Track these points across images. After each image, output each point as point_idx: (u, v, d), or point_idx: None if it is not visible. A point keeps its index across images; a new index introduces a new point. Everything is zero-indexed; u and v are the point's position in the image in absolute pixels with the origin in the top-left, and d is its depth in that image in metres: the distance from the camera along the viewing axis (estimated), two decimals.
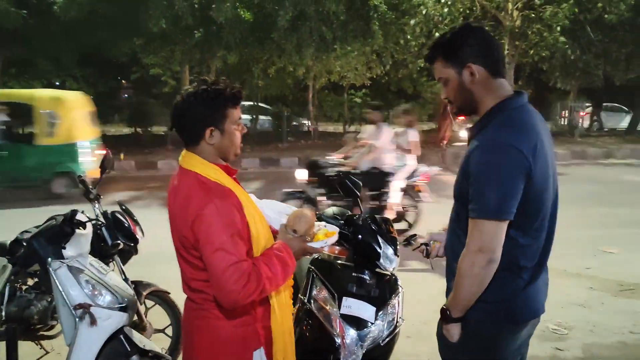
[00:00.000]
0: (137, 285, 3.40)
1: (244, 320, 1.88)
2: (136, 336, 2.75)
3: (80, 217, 2.70)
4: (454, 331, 1.90)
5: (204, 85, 1.85)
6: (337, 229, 2.16)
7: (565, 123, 19.41)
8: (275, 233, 2.03)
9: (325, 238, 2.06)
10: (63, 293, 2.51)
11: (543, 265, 1.92)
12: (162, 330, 3.63)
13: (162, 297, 3.60)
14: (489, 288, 1.82)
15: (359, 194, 2.79)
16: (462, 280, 1.80)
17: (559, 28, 14.53)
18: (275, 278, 1.81)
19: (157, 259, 4.48)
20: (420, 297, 4.47)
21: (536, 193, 1.78)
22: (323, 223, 2.19)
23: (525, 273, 1.85)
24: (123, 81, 28.10)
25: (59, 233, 2.61)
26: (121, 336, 2.63)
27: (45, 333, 3.31)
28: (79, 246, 2.68)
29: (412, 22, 14.97)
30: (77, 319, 2.48)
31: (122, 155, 13.38)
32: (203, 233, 1.74)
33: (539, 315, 1.94)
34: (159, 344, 3.37)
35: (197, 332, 1.91)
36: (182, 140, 1.91)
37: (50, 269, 2.53)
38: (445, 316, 1.90)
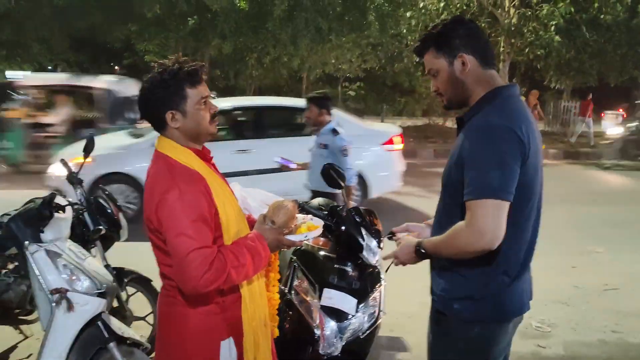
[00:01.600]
0: (119, 272, 3.36)
1: (211, 309, 1.85)
2: (114, 323, 2.72)
3: (59, 200, 2.66)
4: (418, 260, 1.94)
5: (162, 68, 1.79)
6: (322, 223, 2.11)
7: (559, 122, 19.41)
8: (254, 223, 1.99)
9: (307, 231, 2.00)
10: (40, 277, 2.47)
11: (528, 261, 1.91)
12: (143, 318, 3.60)
13: (144, 285, 3.57)
14: (475, 284, 1.83)
15: (343, 185, 2.76)
16: (449, 248, 1.79)
17: (554, 27, 14.54)
18: (242, 268, 1.76)
19: (141, 247, 4.44)
20: (405, 290, 4.46)
21: (528, 179, 1.77)
22: (309, 216, 2.15)
23: (512, 268, 1.84)
24: (116, 67, 27.90)
25: (37, 216, 2.57)
26: (99, 322, 2.61)
27: (24, 318, 3.27)
28: (58, 230, 2.64)
29: (408, 14, 14.94)
30: (53, 304, 2.45)
31: None
32: (165, 217, 1.71)
33: (525, 312, 1.94)
34: (140, 331, 3.34)
35: (166, 319, 1.90)
36: (154, 128, 1.88)
37: (27, 252, 2.50)
38: (419, 253, 1.91)
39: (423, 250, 1.89)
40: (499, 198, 1.67)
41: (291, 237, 1.95)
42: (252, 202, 2.08)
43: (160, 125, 1.83)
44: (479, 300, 1.84)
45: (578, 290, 5.11)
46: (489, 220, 1.67)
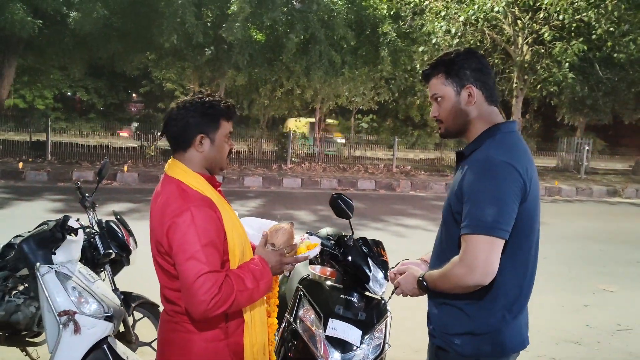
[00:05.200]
0: (127, 297, 3.37)
1: (216, 335, 1.85)
2: (120, 347, 2.73)
3: (72, 223, 2.70)
4: (421, 293, 1.95)
5: (200, 95, 1.90)
6: (320, 240, 2.16)
7: (572, 159, 19.36)
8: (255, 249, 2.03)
9: (307, 251, 2.05)
10: (49, 298, 2.50)
11: (528, 296, 1.90)
12: (149, 344, 3.58)
13: (151, 310, 3.57)
14: (476, 320, 1.82)
15: (351, 215, 2.78)
16: (445, 283, 1.81)
17: (567, 64, 14.64)
18: (248, 291, 1.79)
19: (150, 272, 4.46)
20: (412, 324, 4.42)
21: (528, 215, 1.77)
22: (306, 235, 2.19)
23: (512, 304, 1.83)
24: (134, 94, 28.43)
25: (49, 238, 2.62)
26: (105, 346, 2.61)
27: (31, 340, 3.28)
28: (69, 252, 2.68)
29: (421, 49, 15.13)
30: (60, 326, 2.47)
31: (125, 168, 13.45)
32: (177, 241, 1.73)
33: (525, 347, 1.92)
34: (145, 357, 3.33)
35: (168, 345, 1.90)
36: (171, 147, 1.93)
37: (38, 273, 2.53)
38: (421, 285, 1.91)
39: (425, 283, 1.90)
40: (493, 235, 1.68)
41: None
42: (249, 229, 2.11)
43: (183, 146, 1.88)
44: (479, 336, 1.83)
45: (590, 330, 5.02)
46: (480, 256, 1.68)
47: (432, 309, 1.97)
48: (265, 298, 2.05)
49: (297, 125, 21.35)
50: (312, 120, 20.76)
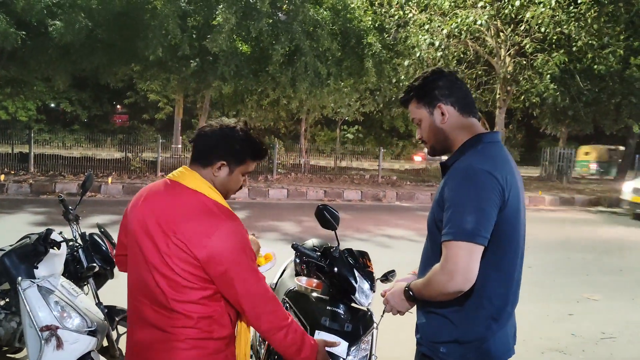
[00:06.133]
0: (110, 311, 3.33)
1: (218, 347, 1.83)
2: None
3: (55, 236, 2.67)
4: (410, 306, 1.98)
5: (243, 127, 1.92)
6: (273, 251, 2.29)
7: (555, 168, 19.60)
8: None
9: (266, 262, 2.16)
10: (30, 313, 2.46)
11: (514, 305, 1.92)
12: None
13: None
14: (462, 328, 1.83)
15: (337, 226, 2.78)
16: (429, 291, 1.83)
17: (549, 76, 14.88)
18: (293, 336, 1.93)
19: None
20: (400, 337, 4.41)
21: (509, 224, 1.81)
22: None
23: (498, 313, 1.85)
24: (118, 106, 28.27)
25: (32, 252, 2.58)
26: None
27: (12, 356, 3.23)
28: (52, 266, 2.65)
29: (406, 62, 15.27)
30: (42, 341, 2.43)
31: (109, 180, 13.33)
32: (232, 255, 1.77)
33: (510, 357, 1.93)
34: None
35: None
36: (192, 157, 1.94)
37: (20, 288, 2.49)
38: (408, 295, 1.94)
39: (411, 293, 1.92)
40: (472, 241, 1.71)
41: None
42: None
43: (203, 162, 1.90)
44: (465, 344, 1.84)
45: (575, 339, 5.05)
46: (459, 263, 1.71)
47: (420, 318, 1.99)
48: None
49: None
50: None
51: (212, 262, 1.74)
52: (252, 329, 1.96)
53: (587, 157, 24.42)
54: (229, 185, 1.93)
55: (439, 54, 15.41)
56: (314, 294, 2.81)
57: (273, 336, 1.86)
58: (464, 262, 1.71)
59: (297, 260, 2.99)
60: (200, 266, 1.74)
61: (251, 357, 2.86)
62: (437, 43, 15.11)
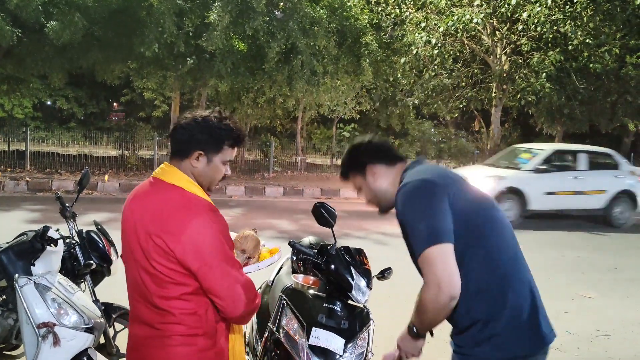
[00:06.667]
0: (107, 308, 3.34)
1: (206, 344, 1.84)
2: (101, 359, 2.69)
3: (52, 233, 2.67)
4: (420, 344, 1.99)
5: (216, 115, 1.90)
6: (279, 246, 2.28)
7: None
8: None
9: (271, 256, 2.16)
10: (28, 311, 2.46)
11: (520, 301, 1.88)
12: None
13: None
14: (472, 356, 1.84)
15: (333, 223, 2.79)
16: (427, 312, 1.81)
17: (545, 74, 14.91)
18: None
19: None
20: (396, 333, 4.43)
21: (469, 221, 1.83)
22: (262, 242, 2.24)
23: (493, 315, 1.84)
24: (115, 104, 28.18)
25: (29, 249, 2.59)
26: (85, 358, 2.59)
27: (9, 353, 3.23)
28: (49, 263, 2.65)
29: (403, 60, 15.27)
30: (39, 338, 2.43)
31: (106, 177, 13.31)
32: (205, 246, 1.75)
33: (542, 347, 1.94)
34: None
35: None
36: (170, 152, 1.94)
37: (17, 285, 2.50)
38: (412, 333, 1.94)
39: (414, 328, 1.93)
40: (437, 243, 1.74)
41: (260, 264, 2.13)
42: None
43: (180, 155, 1.89)
44: (464, 347, 1.88)
45: (570, 336, 5.08)
46: (437, 270, 1.73)
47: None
48: None
49: None
50: None
51: (188, 256, 1.74)
52: (245, 326, 1.97)
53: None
54: (210, 175, 1.91)
55: (435, 51, 15.42)
56: (311, 292, 2.82)
57: (250, 314, 1.89)
58: (440, 266, 1.72)
59: (294, 258, 3.00)
60: (178, 262, 1.76)
61: (247, 354, 2.87)
62: (433, 41, 15.12)
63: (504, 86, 16.64)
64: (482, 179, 10.40)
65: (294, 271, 3.06)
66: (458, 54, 17.32)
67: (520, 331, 1.85)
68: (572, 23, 14.09)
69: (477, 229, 1.84)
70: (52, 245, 2.66)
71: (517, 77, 16.13)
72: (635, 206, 11.67)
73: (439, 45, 15.30)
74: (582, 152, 11.92)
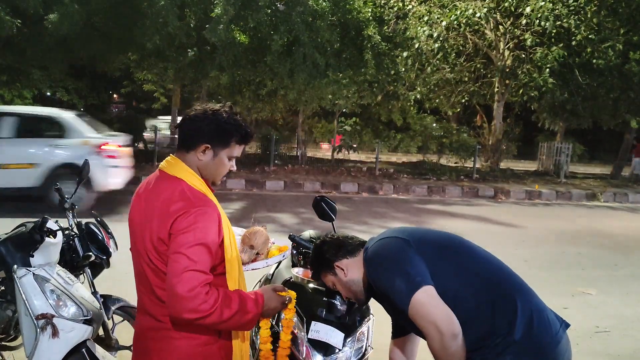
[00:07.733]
0: (106, 300, 3.34)
1: (209, 339, 1.83)
2: (99, 351, 2.70)
3: (51, 225, 2.66)
4: None
5: (227, 110, 1.89)
6: (290, 243, 2.31)
7: (552, 163, 19.59)
8: None
9: (280, 252, 2.18)
10: (26, 302, 2.46)
11: (513, 332, 1.91)
12: (129, 347, 3.53)
13: (131, 313, 3.53)
14: None
15: (334, 217, 2.77)
16: None
17: (548, 70, 14.85)
18: (230, 312, 1.74)
19: (130, 275, 4.40)
20: None
21: (440, 259, 1.94)
22: (272, 239, 2.24)
23: (487, 344, 1.86)
24: (115, 95, 28.14)
25: (28, 240, 2.57)
26: (83, 350, 2.58)
27: (7, 344, 3.23)
28: (47, 255, 2.64)
29: (405, 54, 15.22)
30: (38, 330, 2.42)
31: None
32: (175, 237, 1.73)
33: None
34: None
35: (155, 354, 1.84)
36: (177, 144, 1.93)
37: (15, 276, 2.49)
38: None
39: None
40: (418, 289, 1.79)
41: (268, 260, 2.14)
42: None
43: (187, 147, 1.88)
44: None
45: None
46: (430, 315, 1.77)
47: None
48: None
49: None
50: None
51: (173, 244, 1.73)
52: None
53: None
54: (214, 169, 1.90)
55: (437, 45, 15.36)
56: (311, 285, 2.81)
57: (189, 313, 1.69)
58: (432, 309, 1.77)
59: (294, 252, 2.99)
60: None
61: (251, 356, 2.84)
62: (435, 35, 15.06)
63: (507, 81, 16.59)
64: None
65: (293, 265, 3.04)
66: (461, 49, 17.27)
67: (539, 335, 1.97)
68: (576, 18, 14.02)
69: (451, 262, 1.92)
70: (51, 236, 2.65)
71: (519, 72, 16.08)
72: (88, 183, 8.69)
73: (442, 39, 15.23)
74: (6, 115, 9.41)
